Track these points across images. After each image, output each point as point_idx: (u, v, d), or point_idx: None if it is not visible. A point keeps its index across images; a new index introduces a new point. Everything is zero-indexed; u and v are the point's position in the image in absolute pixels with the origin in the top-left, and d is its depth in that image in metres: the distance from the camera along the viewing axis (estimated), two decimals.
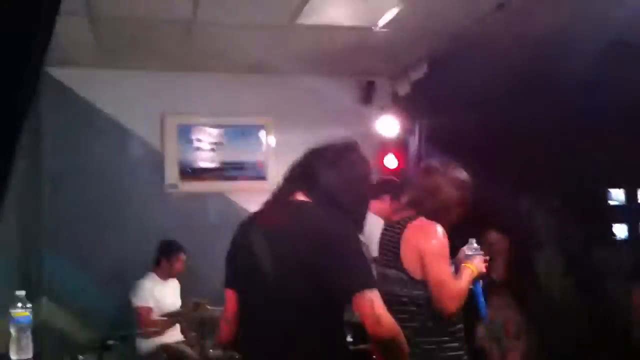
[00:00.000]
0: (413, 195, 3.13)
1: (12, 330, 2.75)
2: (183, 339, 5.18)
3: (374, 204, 4.19)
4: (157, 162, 5.95)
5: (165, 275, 5.23)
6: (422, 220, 2.96)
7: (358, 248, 2.19)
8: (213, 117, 6.06)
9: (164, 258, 5.23)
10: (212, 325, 4.62)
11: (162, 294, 5.15)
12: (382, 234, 3.19)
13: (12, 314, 2.74)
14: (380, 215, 4.15)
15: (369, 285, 2.12)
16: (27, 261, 4.99)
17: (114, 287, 5.39)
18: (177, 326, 5.23)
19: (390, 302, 2.84)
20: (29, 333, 2.78)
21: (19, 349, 2.75)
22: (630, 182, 6.58)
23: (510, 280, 5.58)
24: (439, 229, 2.90)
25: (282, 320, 2.20)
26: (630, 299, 5.26)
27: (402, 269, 2.94)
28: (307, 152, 2.42)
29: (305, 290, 2.15)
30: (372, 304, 2.08)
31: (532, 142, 5.69)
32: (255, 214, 2.43)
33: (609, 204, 6.65)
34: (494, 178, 4.29)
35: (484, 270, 3.03)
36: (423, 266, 2.86)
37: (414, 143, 6.08)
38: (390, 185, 4.89)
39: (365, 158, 2.44)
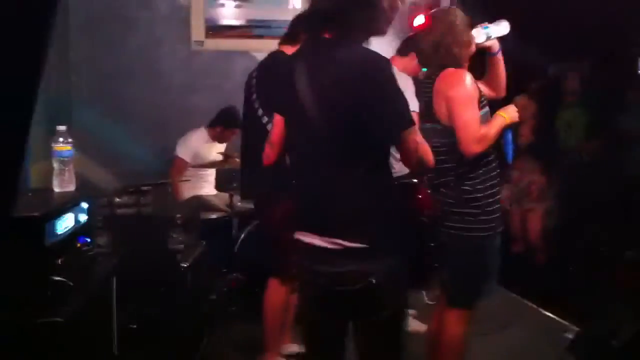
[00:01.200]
0: (432, 46, 3.06)
1: (55, 164, 2.81)
2: (215, 193, 5.30)
3: (402, 61, 4.14)
4: (183, 18, 5.84)
5: (215, 138, 5.28)
6: (449, 70, 2.97)
7: (398, 87, 2.18)
8: None
9: (221, 125, 5.25)
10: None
11: (207, 153, 5.19)
12: (417, 91, 3.22)
13: (54, 148, 2.80)
14: (409, 73, 4.11)
15: (412, 123, 2.18)
16: (56, 111, 4.97)
17: (144, 138, 5.52)
18: (212, 181, 5.35)
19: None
20: (71, 167, 2.84)
21: (62, 182, 2.82)
22: None
23: (536, 144, 5.61)
24: (466, 75, 2.91)
25: (325, 152, 2.21)
26: None
27: (436, 120, 2.99)
28: None
29: (349, 126, 2.15)
30: (415, 141, 2.20)
31: (563, 5, 5.53)
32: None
33: None
34: (522, 42, 4.20)
35: (517, 119, 3.05)
36: (449, 112, 2.90)
37: (445, 2, 5.90)
38: (415, 42, 4.78)
39: None
